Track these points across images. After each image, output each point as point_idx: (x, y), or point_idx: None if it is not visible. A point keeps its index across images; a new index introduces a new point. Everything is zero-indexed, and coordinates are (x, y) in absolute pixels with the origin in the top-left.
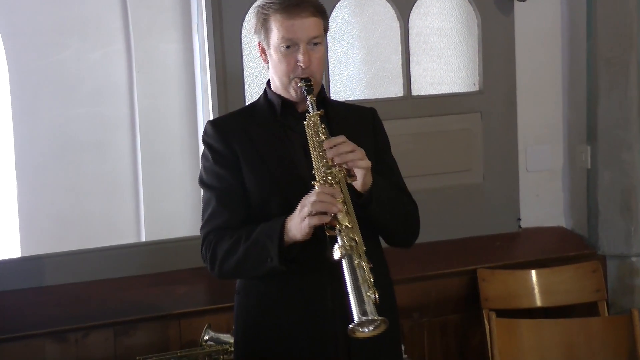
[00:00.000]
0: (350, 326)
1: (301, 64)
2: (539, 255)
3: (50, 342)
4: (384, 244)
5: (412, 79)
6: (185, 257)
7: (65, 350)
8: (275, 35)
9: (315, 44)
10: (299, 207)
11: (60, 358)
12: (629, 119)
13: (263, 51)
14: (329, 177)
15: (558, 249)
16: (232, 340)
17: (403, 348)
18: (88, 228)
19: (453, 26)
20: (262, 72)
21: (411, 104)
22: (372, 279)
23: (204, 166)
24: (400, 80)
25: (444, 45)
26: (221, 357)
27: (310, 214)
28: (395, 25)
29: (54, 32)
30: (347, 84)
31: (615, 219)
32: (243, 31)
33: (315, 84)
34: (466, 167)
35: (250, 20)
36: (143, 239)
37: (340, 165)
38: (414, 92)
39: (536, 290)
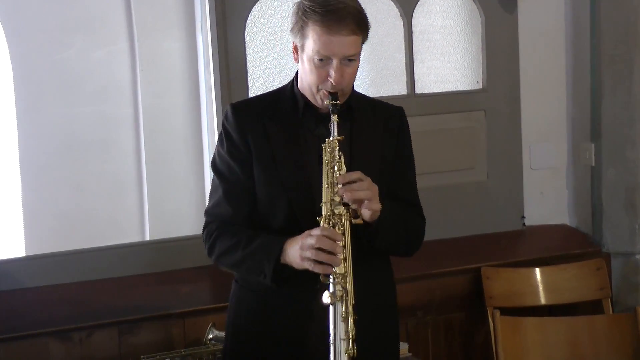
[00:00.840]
0: None
1: (332, 80)
2: (543, 253)
3: (54, 341)
4: None
5: (415, 77)
6: (190, 255)
7: (69, 349)
8: (310, 45)
9: (350, 59)
10: (299, 241)
11: (65, 357)
12: (633, 117)
13: (296, 50)
14: (334, 217)
15: (562, 246)
16: None
17: (407, 347)
18: (92, 227)
19: (457, 24)
20: (266, 71)
21: (415, 102)
22: (354, 334)
23: (218, 150)
24: (403, 79)
25: (448, 43)
26: None
27: (311, 260)
28: (399, 23)
29: (57, 30)
30: None
31: (620, 217)
32: (247, 30)
33: (342, 95)
34: (470, 165)
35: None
36: (147, 238)
37: (347, 205)
38: (418, 90)
39: (540, 288)
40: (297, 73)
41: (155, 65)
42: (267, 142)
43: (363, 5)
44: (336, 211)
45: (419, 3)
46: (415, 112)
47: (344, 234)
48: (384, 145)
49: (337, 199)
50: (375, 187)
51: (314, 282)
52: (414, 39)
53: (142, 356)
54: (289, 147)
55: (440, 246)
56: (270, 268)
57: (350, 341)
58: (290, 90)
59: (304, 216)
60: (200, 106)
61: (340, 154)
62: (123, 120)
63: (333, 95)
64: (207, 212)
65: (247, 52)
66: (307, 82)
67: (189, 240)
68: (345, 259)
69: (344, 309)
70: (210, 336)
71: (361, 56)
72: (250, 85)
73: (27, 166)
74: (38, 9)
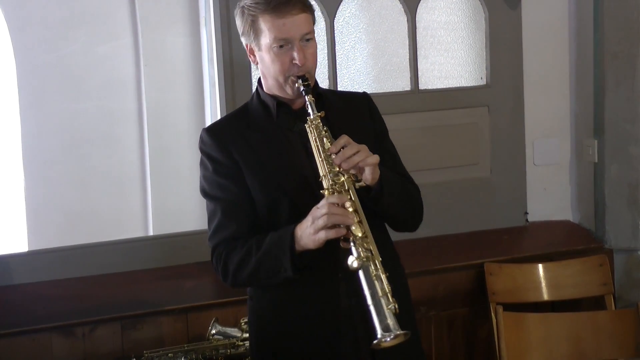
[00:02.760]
0: (375, 342)
1: (297, 62)
2: (546, 249)
3: (57, 336)
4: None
5: (419, 73)
6: (193, 251)
7: (72, 344)
8: (266, 35)
9: (308, 39)
10: (310, 217)
11: (68, 352)
12: (636, 113)
13: (252, 52)
14: (337, 185)
15: (565, 242)
16: (239, 334)
17: None
18: (95, 222)
19: (460, 20)
20: None
21: (418, 98)
22: (390, 290)
23: (204, 176)
24: (407, 74)
25: (452, 39)
26: (228, 350)
27: (325, 227)
28: (403, 19)
29: (61, 26)
30: (354, 78)
31: (623, 213)
32: None
33: (310, 78)
34: (473, 161)
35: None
36: (150, 233)
37: (347, 171)
38: (422, 86)
39: (543, 284)
40: (258, 82)
41: (159, 60)
42: (251, 150)
43: (367, 1)
44: (338, 180)
45: None
46: (418, 107)
47: (352, 199)
48: (361, 127)
49: (336, 168)
50: (364, 146)
51: (335, 272)
52: (417, 34)
53: (145, 351)
54: (274, 150)
55: (444, 242)
56: (288, 259)
57: (389, 296)
58: (257, 100)
59: (309, 212)
60: (204, 101)
61: (325, 128)
62: (127, 115)
63: (302, 77)
64: (210, 240)
65: None
66: (272, 76)
67: (192, 236)
68: (360, 222)
69: (373, 268)
70: (214, 331)
71: (365, 52)
72: (253, 80)
73: (31, 161)
74: (42, 4)
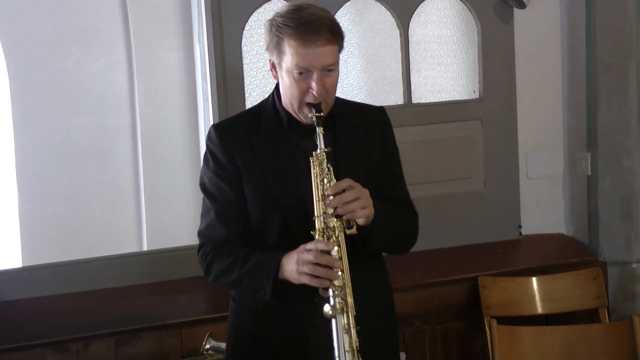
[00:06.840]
0: None
1: (314, 92)
2: (540, 262)
3: (51, 352)
4: None
5: (412, 86)
6: (187, 266)
7: None
8: (288, 59)
9: (330, 70)
10: (296, 256)
11: None
12: (629, 125)
13: (274, 67)
14: (328, 230)
15: (559, 255)
16: None
17: (404, 357)
18: (89, 237)
19: (453, 34)
20: (263, 81)
21: (412, 112)
22: (358, 344)
23: (204, 172)
24: (400, 88)
25: (444, 53)
26: None
27: (307, 274)
28: (395, 33)
29: (55, 41)
30: (347, 92)
31: (616, 226)
32: (243, 40)
33: (326, 107)
34: (467, 175)
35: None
36: (145, 248)
37: (340, 217)
38: (415, 100)
39: (537, 297)
40: (275, 88)
41: (153, 75)
42: (255, 159)
43: (360, 15)
44: (330, 224)
45: (415, 13)
46: (411, 121)
47: (339, 245)
48: (368, 147)
49: (330, 211)
50: (366, 192)
51: (312, 296)
52: (410, 48)
53: None
54: (277, 164)
55: (438, 255)
56: (269, 285)
57: (355, 352)
58: (271, 106)
59: (300, 231)
60: (198, 116)
61: (329, 165)
62: (121, 130)
63: (316, 107)
64: (201, 234)
65: (243, 62)
66: (288, 97)
67: (186, 251)
68: (342, 271)
69: (345, 321)
70: (208, 346)
71: (358, 66)
72: (247, 95)
73: (24, 176)
74: (35, 20)
